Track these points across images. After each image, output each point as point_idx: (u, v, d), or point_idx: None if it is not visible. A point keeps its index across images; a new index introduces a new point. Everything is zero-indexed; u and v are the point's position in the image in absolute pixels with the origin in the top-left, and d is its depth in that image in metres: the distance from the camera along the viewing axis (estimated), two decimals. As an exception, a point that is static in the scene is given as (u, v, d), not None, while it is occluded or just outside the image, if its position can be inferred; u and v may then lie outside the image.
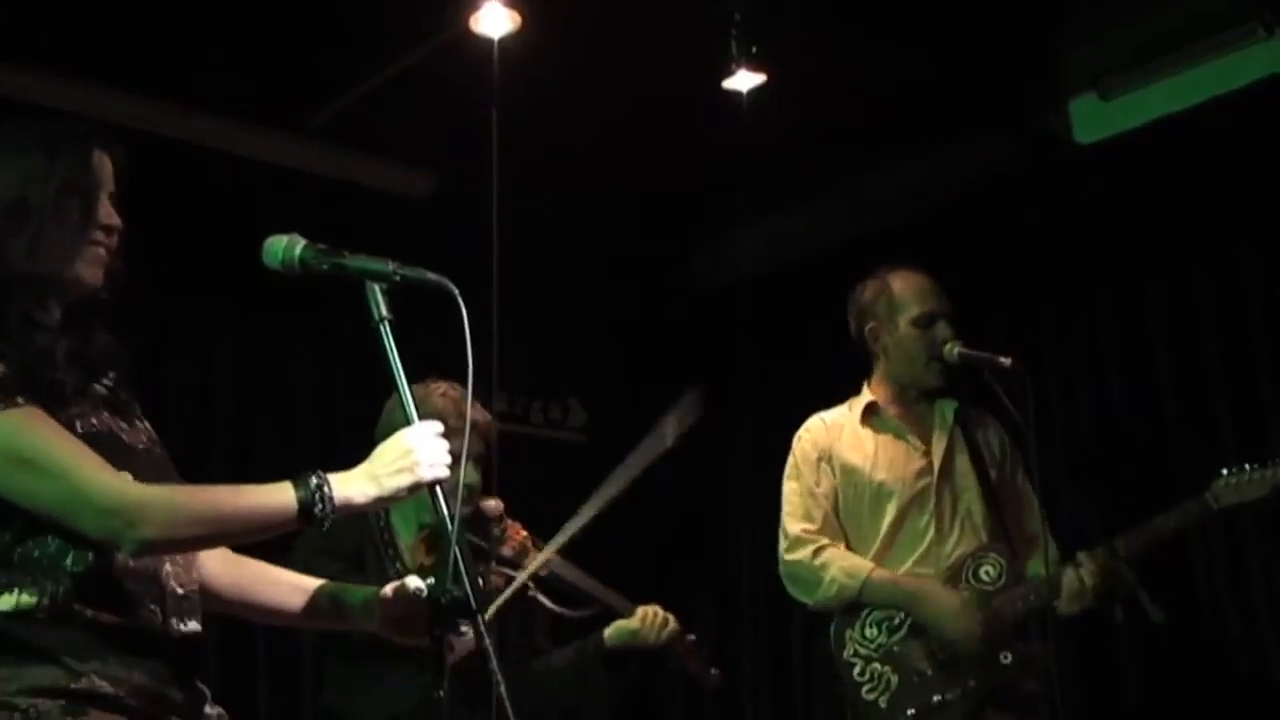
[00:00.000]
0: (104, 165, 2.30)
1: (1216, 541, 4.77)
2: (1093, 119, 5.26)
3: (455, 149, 4.94)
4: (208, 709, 2.24)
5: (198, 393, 5.37)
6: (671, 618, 3.73)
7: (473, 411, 3.42)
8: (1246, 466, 3.78)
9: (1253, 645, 4.78)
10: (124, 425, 2.25)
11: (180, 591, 2.21)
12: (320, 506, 2.13)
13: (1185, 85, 4.94)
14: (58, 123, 2.34)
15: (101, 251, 2.27)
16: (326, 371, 5.69)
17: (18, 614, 2.06)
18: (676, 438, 3.54)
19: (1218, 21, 4.79)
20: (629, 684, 4.12)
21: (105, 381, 2.29)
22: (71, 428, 2.12)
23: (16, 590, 2.06)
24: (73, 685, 2.03)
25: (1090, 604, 3.84)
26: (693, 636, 3.83)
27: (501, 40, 4.15)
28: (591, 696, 3.91)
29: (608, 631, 3.71)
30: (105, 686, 2.05)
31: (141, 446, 2.25)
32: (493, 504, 3.53)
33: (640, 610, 3.72)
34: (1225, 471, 3.79)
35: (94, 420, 2.18)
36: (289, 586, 2.48)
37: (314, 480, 2.15)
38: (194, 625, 2.22)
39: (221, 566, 2.40)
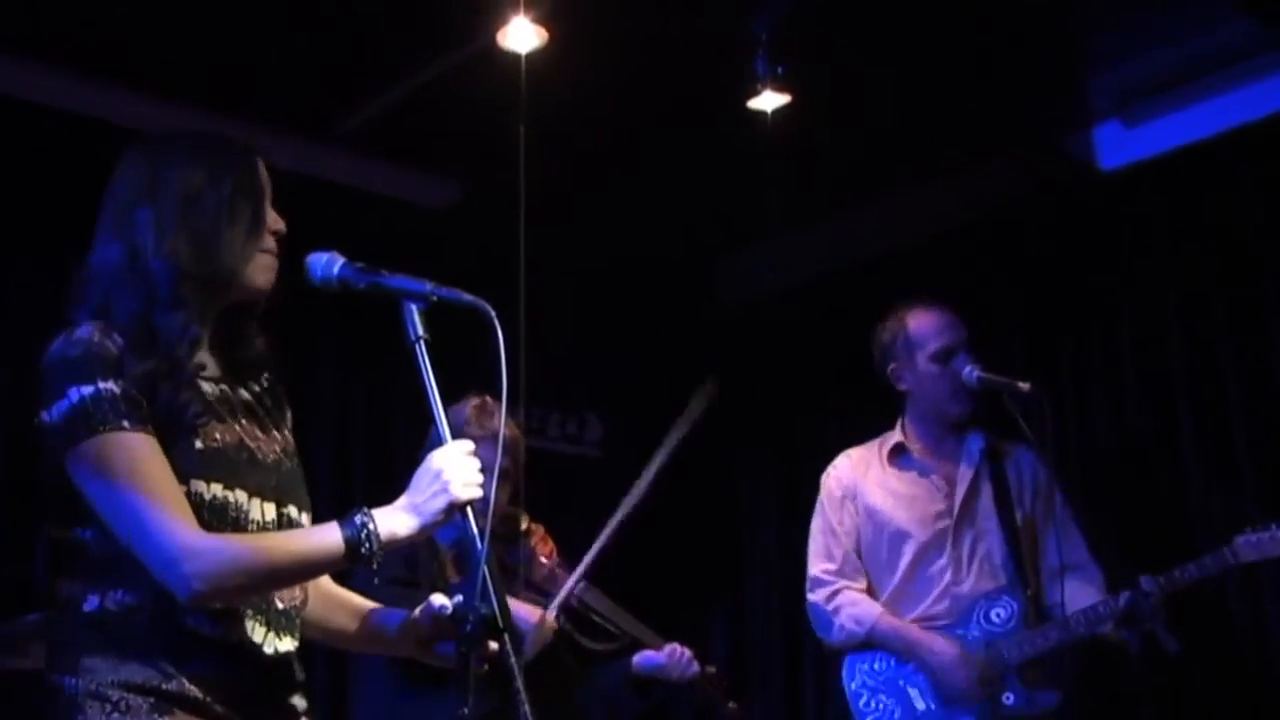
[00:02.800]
0: (264, 173, 2.36)
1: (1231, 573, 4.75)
2: (1117, 144, 5.27)
3: (479, 161, 4.96)
4: None
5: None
6: (694, 658, 3.81)
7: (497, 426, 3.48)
8: (1273, 524, 3.79)
9: (1270, 675, 4.76)
10: (260, 434, 2.30)
11: (281, 606, 2.26)
12: (366, 546, 2.16)
13: (1210, 112, 4.95)
14: (212, 136, 2.39)
15: (271, 257, 2.33)
16: (344, 376, 5.68)
17: (121, 611, 2.14)
18: (692, 429, 3.60)
19: (1244, 49, 4.79)
20: (651, 709, 4.19)
21: (254, 387, 2.36)
22: (190, 446, 2.17)
23: (121, 590, 2.14)
24: (164, 685, 2.11)
25: (1109, 633, 3.85)
26: (713, 669, 3.90)
27: (529, 55, 4.17)
28: (614, 717, 3.97)
29: (635, 658, 3.79)
30: (195, 691, 2.12)
31: (271, 459, 2.29)
32: (520, 516, 3.57)
33: (669, 646, 3.79)
34: (1249, 528, 3.80)
35: (218, 434, 2.21)
36: (348, 611, 2.51)
37: (359, 520, 2.18)
38: (289, 643, 2.26)
39: (311, 590, 2.43)
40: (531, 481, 3.78)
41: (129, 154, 2.34)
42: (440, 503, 2.19)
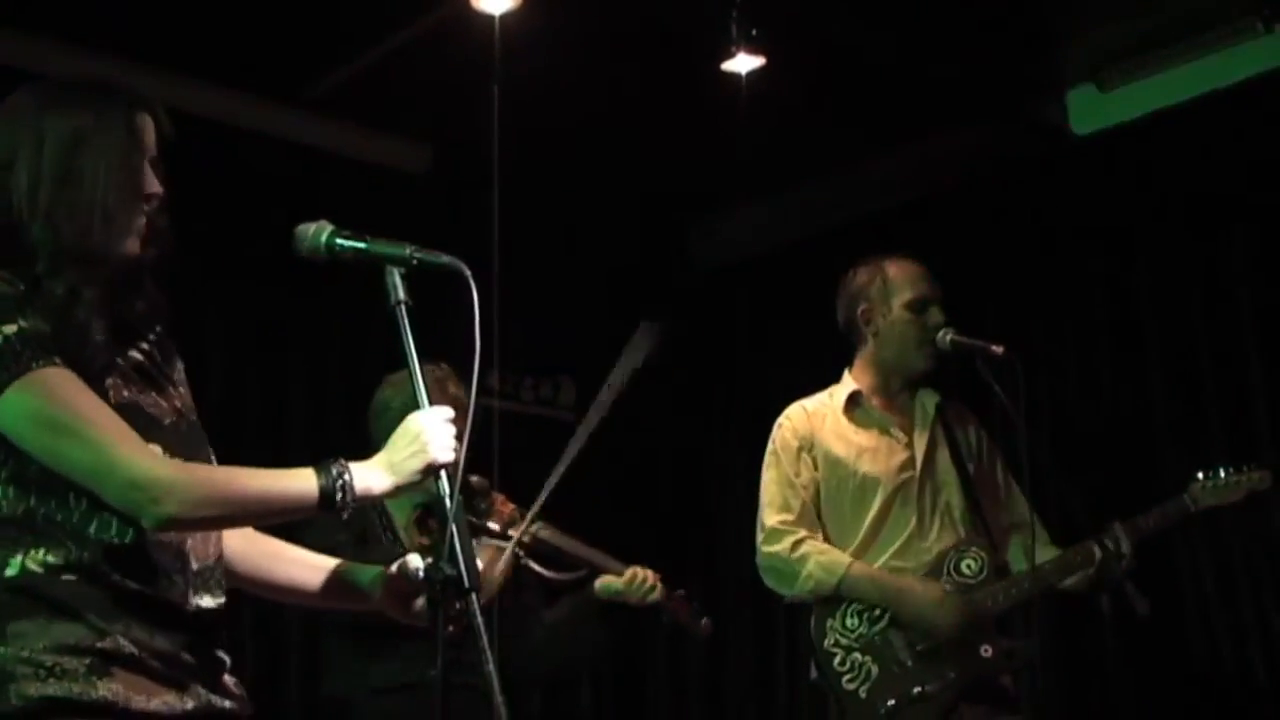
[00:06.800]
0: (147, 130, 2.27)
1: (1200, 533, 4.78)
2: (1090, 110, 5.27)
3: (454, 124, 4.95)
4: (226, 678, 2.26)
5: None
6: (657, 580, 3.79)
7: (456, 390, 3.49)
8: (1222, 471, 3.84)
9: (1236, 638, 4.81)
10: (153, 396, 2.23)
11: (196, 566, 2.21)
12: (341, 495, 2.16)
13: (1182, 79, 4.96)
14: (99, 86, 2.28)
15: (143, 222, 2.23)
16: (318, 343, 5.65)
17: (45, 572, 2.06)
18: (636, 372, 3.60)
19: (1216, 16, 4.80)
20: (619, 638, 4.17)
21: (142, 346, 2.27)
22: (105, 399, 2.10)
23: (42, 550, 2.07)
24: (98, 644, 2.04)
25: (1080, 589, 3.87)
26: (681, 591, 3.87)
27: (503, 16, 4.15)
28: (584, 649, 3.95)
29: (597, 584, 3.77)
30: (130, 647, 2.07)
31: (169, 421, 2.23)
32: (477, 479, 3.57)
33: (629, 571, 3.77)
34: (1201, 475, 3.84)
35: (125, 392, 2.16)
36: (303, 564, 2.48)
37: (336, 469, 2.17)
38: (210, 600, 2.23)
39: (240, 543, 2.40)
40: (505, 444, 3.79)
41: (21, 96, 2.24)
42: (417, 463, 2.19)
